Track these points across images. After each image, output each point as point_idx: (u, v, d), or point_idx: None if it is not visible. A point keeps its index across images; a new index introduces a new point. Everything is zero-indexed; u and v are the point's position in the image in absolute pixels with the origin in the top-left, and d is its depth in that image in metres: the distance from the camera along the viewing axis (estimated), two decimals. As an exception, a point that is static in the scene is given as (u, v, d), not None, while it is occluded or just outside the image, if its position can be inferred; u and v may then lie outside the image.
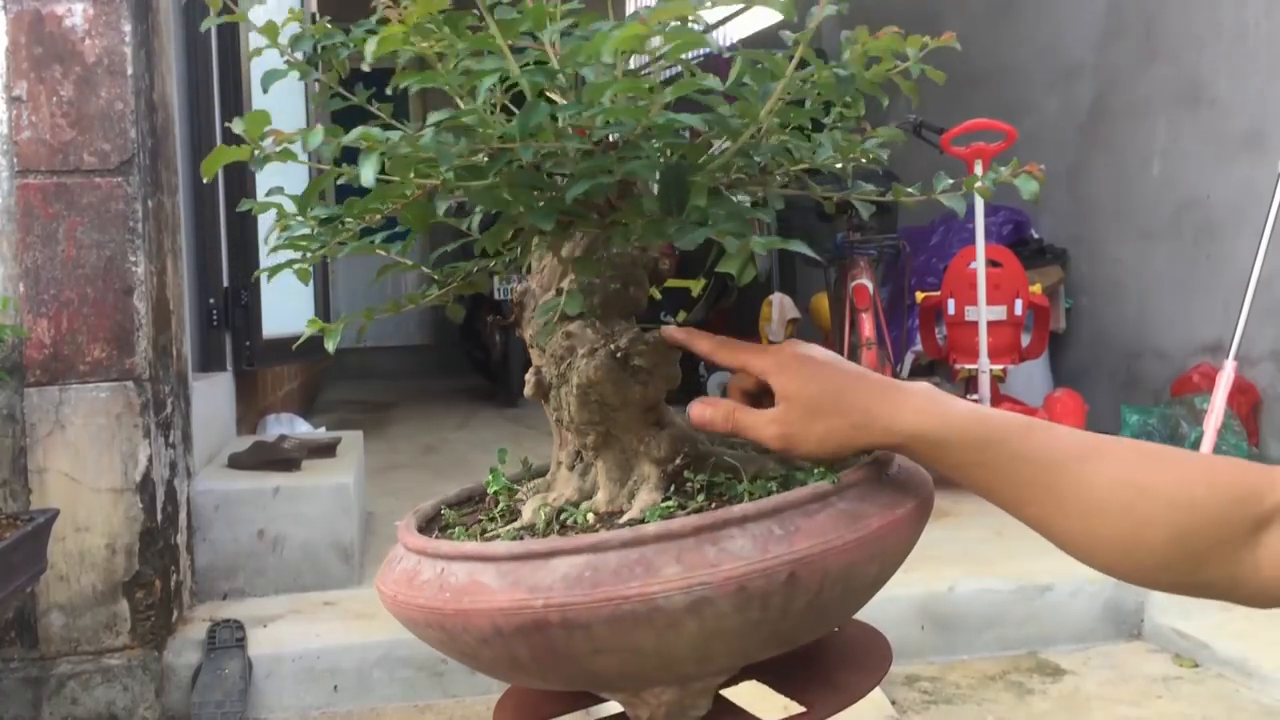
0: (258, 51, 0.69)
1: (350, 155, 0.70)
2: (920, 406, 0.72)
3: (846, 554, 0.66)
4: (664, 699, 0.70)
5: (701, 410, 0.75)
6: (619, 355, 0.75)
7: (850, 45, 0.72)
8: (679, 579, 0.64)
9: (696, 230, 0.67)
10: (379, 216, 0.75)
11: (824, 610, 0.68)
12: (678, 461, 0.75)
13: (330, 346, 0.80)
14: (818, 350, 0.75)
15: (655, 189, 0.69)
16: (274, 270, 0.79)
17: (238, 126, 0.68)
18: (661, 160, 0.70)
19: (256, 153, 0.69)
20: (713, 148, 0.75)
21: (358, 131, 0.67)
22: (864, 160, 0.80)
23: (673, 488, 0.74)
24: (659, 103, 0.65)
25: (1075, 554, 0.71)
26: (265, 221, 3.42)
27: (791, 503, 0.67)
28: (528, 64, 0.67)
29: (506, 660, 0.68)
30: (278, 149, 0.70)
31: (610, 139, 0.69)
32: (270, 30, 0.68)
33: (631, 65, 0.77)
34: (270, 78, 0.71)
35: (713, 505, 0.71)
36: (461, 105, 0.69)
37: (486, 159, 0.69)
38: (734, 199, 0.78)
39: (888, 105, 0.79)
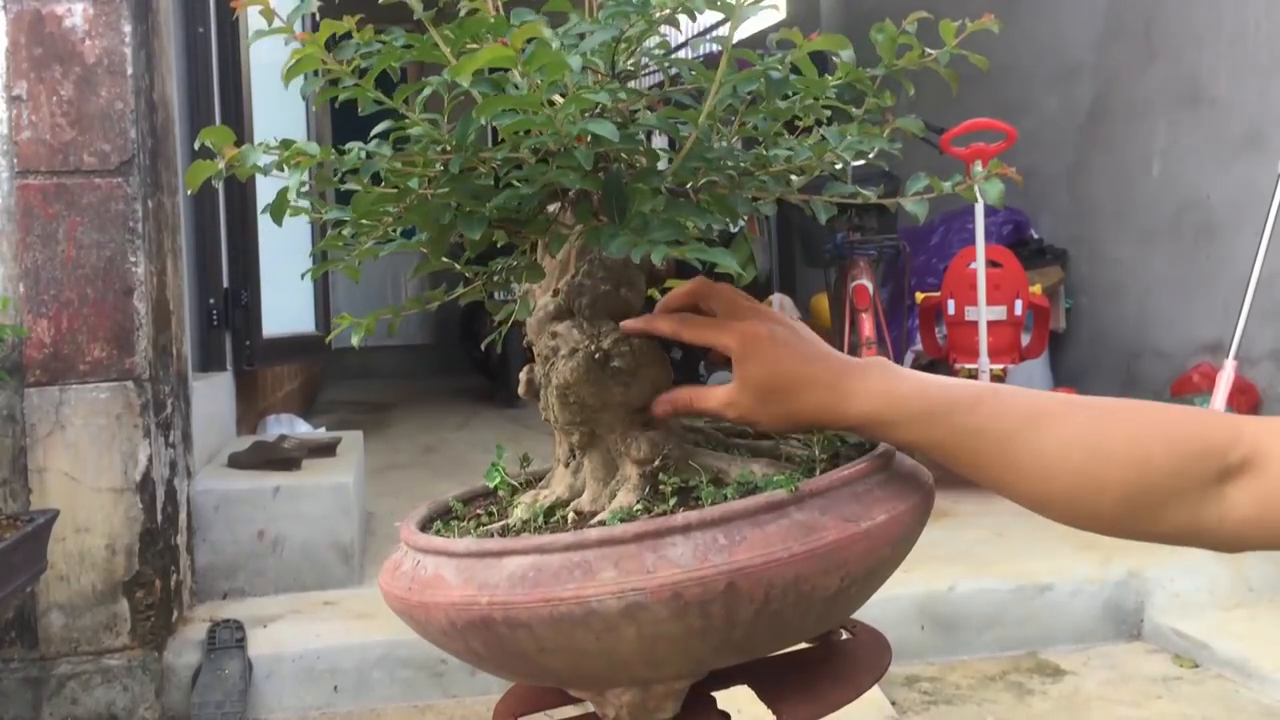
0: (259, 34, 0.70)
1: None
2: (869, 390, 0.73)
3: (794, 566, 0.66)
4: (625, 700, 0.71)
5: (663, 406, 0.76)
6: (598, 357, 0.75)
7: (879, 34, 0.73)
8: (613, 584, 0.65)
9: (623, 239, 0.67)
10: (389, 219, 0.75)
11: (779, 621, 0.67)
12: (656, 463, 0.75)
13: (356, 341, 0.83)
14: (781, 329, 0.75)
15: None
16: (317, 270, 0.81)
17: (206, 138, 0.69)
18: (604, 168, 0.71)
19: (223, 168, 0.71)
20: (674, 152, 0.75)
21: (297, 147, 0.69)
22: (858, 160, 0.80)
23: (648, 489, 0.75)
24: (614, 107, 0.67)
25: (1035, 511, 0.73)
26: (265, 221, 3.42)
27: (739, 512, 0.67)
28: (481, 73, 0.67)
29: (467, 653, 0.70)
30: (264, 162, 0.70)
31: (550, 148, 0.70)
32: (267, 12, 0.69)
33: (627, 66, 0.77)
34: (259, 36, 0.71)
35: (680, 509, 0.71)
36: (410, 116, 0.70)
37: (438, 169, 0.71)
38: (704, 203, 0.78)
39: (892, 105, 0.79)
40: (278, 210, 0.72)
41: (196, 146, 0.71)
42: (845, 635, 0.84)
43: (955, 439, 0.71)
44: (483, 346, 1.06)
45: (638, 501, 0.74)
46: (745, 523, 0.67)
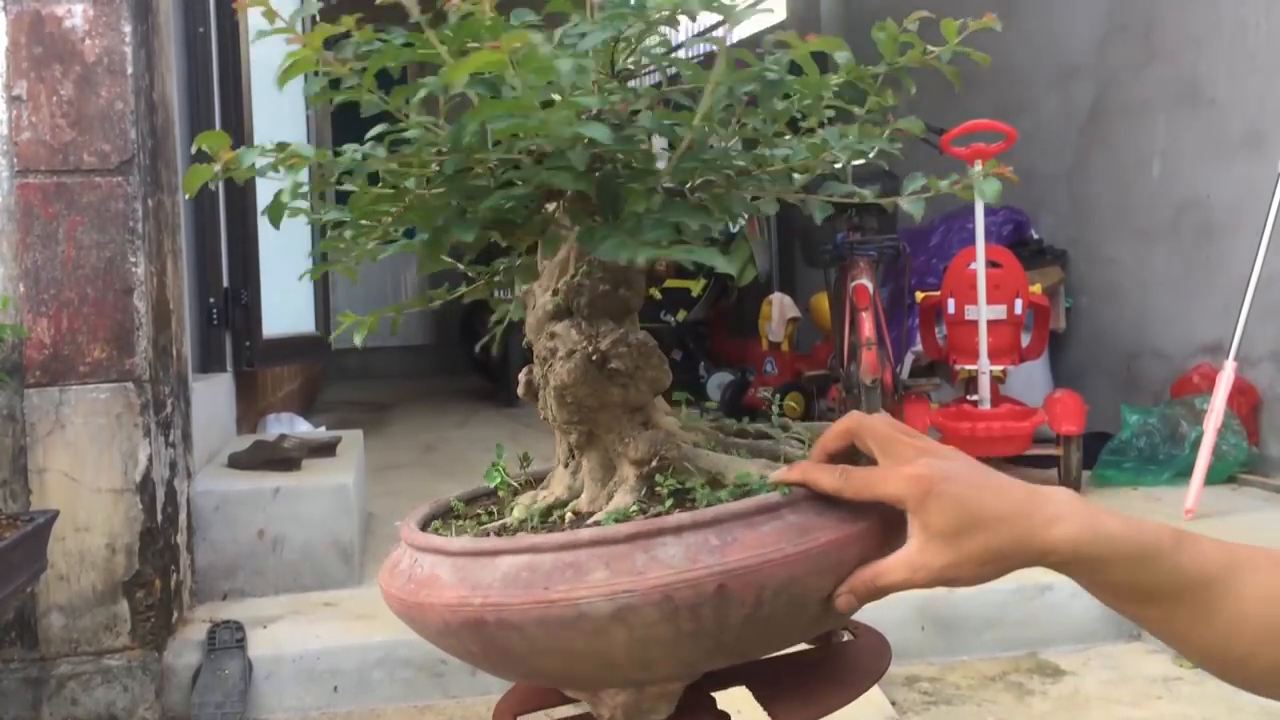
0: (262, 34, 0.70)
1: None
2: (1071, 520, 0.67)
3: (787, 568, 0.65)
4: (618, 701, 0.71)
5: (845, 600, 0.69)
6: (595, 358, 0.75)
7: (880, 33, 0.73)
8: (604, 585, 0.64)
9: (614, 241, 0.66)
10: (388, 219, 0.76)
11: (771, 624, 0.67)
12: (653, 464, 0.75)
13: (359, 340, 0.83)
14: (953, 465, 0.69)
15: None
16: (316, 270, 0.82)
17: (203, 143, 0.69)
18: (599, 169, 0.71)
19: (219, 171, 0.71)
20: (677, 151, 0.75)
21: (292, 149, 0.70)
22: (857, 159, 0.80)
23: (645, 490, 0.75)
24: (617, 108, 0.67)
25: (1218, 669, 0.69)
26: (265, 221, 3.42)
27: (733, 513, 0.67)
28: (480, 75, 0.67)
29: (464, 653, 0.70)
30: (261, 164, 0.71)
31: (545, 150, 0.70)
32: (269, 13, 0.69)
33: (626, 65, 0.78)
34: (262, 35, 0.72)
35: (675, 510, 0.71)
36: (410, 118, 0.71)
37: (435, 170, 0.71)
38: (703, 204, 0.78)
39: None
40: (274, 213, 0.72)
41: (194, 151, 0.71)
42: (846, 637, 0.84)
43: (1162, 583, 0.67)
44: (478, 348, 1.06)
45: (634, 502, 0.73)
46: (738, 524, 0.66)
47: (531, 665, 0.68)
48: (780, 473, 0.72)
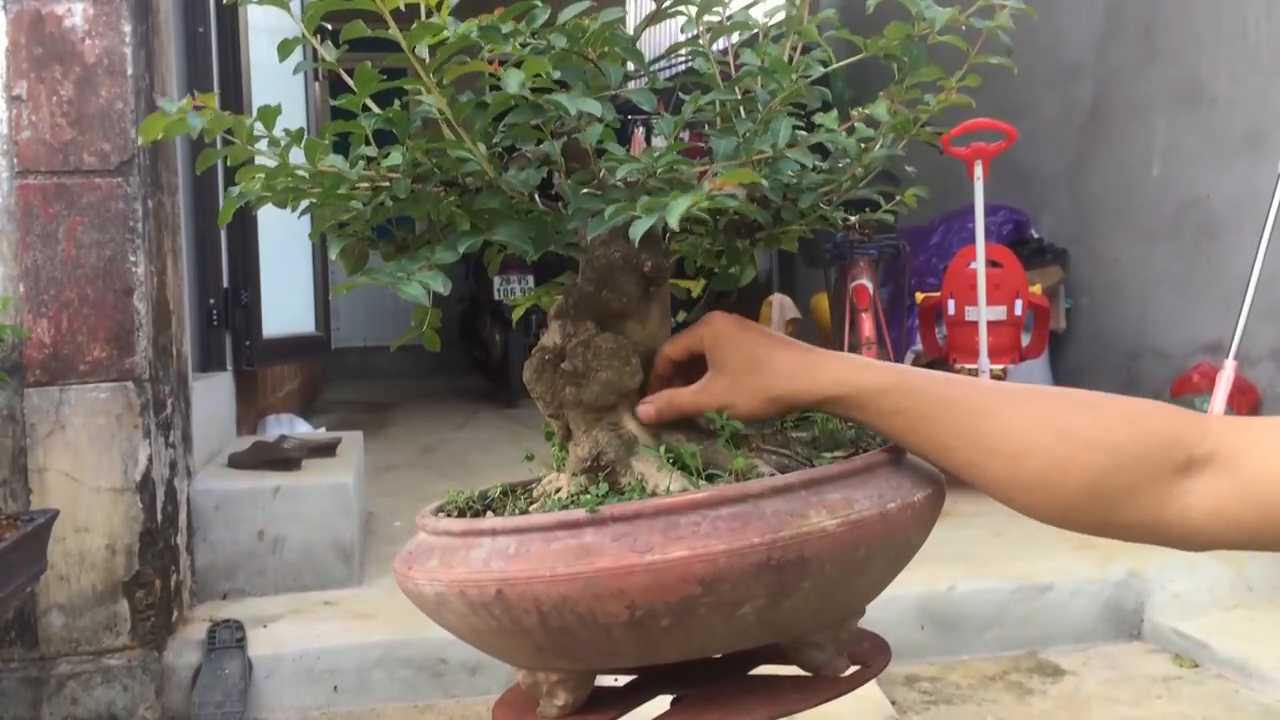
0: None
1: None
2: (841, 362, 0.76)
3: (557, 586, 0.67)
4: (519, 678, 0.77)
5: (646, 410, 0.79)
6: (548, 358, 0.79)
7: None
8: (429, 573, 0.72)
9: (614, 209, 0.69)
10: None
11: (574, 637, 0.68)
12: (588, 464, 0.78)
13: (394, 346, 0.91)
14: (746, 321, 0.80)
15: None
16: (347, 287, 0.84)
17: (168, 105, 0.71)
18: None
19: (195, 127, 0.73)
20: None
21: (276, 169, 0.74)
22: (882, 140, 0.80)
23: (585, 486, 0.78)
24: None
25: (1000, 497, 0.73)
26: (265, 221, 3.42)
27: (537, 525, 0.70)
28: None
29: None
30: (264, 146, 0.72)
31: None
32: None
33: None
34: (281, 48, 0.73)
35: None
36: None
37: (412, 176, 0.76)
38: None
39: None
40: (226, 210, 0.76)
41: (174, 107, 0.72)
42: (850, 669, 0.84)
43: (927, 412, 0.73)
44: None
45: (568, 497, 0.77)
46: (538, 535, 0.69)
47: (457, 634, 0.76)
48: (643, 405, 0.80)
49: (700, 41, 0.82)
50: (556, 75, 0.71)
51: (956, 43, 0.78)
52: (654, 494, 0.72)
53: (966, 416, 0.72)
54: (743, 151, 0.75)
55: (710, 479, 0.75)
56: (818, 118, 0.80)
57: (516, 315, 1.02)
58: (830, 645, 0.76)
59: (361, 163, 0.74)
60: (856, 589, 0.74)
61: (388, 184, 0.75)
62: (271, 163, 0.74)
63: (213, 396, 3.02)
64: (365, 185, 0.75)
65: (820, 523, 0.68)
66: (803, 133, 0.78)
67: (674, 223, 0.64)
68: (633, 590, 0.66)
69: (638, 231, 0.66)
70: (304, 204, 0.77)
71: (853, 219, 0.88)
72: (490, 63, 0.70)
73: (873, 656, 0.82)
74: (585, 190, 0.75)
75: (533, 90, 0.70)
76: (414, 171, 0.74)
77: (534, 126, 0.73)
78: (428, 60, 0.68)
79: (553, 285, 0.90)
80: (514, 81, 0.67)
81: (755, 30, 0.82)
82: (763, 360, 0.77)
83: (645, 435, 0.79)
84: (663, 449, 0.77)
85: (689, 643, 0.70)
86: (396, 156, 0.73)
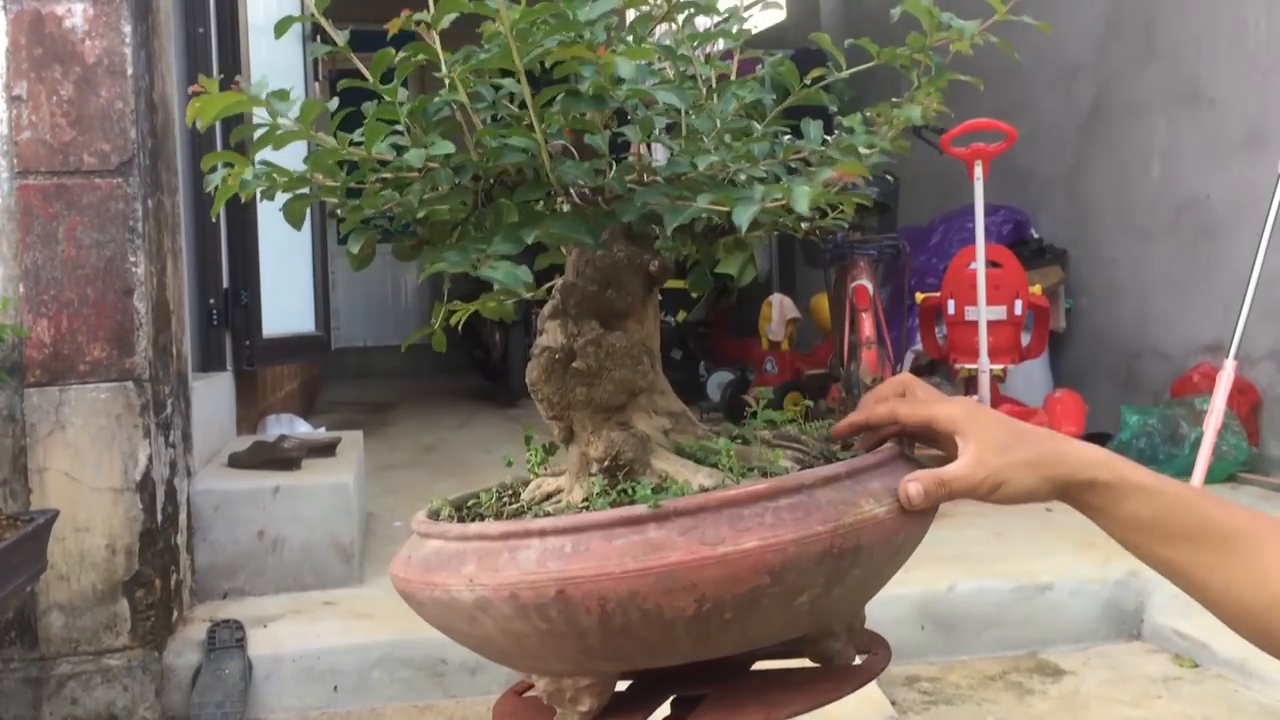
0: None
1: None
2: (1101, 451, 0.75)
3: (627, 582, 0.66)
4: (542, 685, 0.75)
5: (916, 488, 0.74)
6: (559, 357, 0.78)
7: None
8: (468, 578, 0.70)
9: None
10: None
11: (633, 634, 0.68)
12: (606, 463, 0.77)
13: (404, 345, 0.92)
14: (986, 405, 0.80)
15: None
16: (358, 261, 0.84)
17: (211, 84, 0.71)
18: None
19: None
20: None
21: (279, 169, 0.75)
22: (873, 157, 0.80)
23: (603, 487, 0.77)
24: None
25: (1234, 622, 0.71)
26: (265, 221, 3.42)
27: (593, 523, 0.69)
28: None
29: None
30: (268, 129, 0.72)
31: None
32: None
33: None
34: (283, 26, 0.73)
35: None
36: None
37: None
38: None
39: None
40: (220, 198, 0.76)
41: (190, 92, 0.72)
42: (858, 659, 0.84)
43: (1185, 524, 0.71)
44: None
45: (583, 498, 0.76)
46: (596, 534, 0.68)
47: (460, 638, 0.75)
48: (842, 423, 0.80)
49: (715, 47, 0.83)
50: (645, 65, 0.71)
51: (962, 47, 0.78)
52: (682, 491, 0.72)
53: (1222, 536, 0.71)
54: (781, 153, 0.76)
55: (745, 474, 0.76)
56: (847, 120, 0.81)
57: (456, 319, 0.96)
58: (844, 634, 0.78)
59: (403, 153, 0.73)
60: (887, 576, 0.76)
61: (416, 175, 0.73)
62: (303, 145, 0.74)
63: (213, 396, 3.02)
64: (389, 175, 0.74)
65: (872, 510, 0.71)
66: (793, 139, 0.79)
67: (804, 208, 0.65)
68: (705, 583, 0.67)
69: (742, 219, 0.66)
70: (323, 199, 0.77)
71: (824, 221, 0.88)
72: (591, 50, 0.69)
73: (872, 658, 0.83)
74: (629, 181, 0.75)
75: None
76: (452, 162, 0.73)
77: (583, 118, 0.73)
78: (512, 43, 0.66)
79: (490, 295, 0.90)
80: (628, 69, 0.67)
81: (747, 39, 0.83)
82: (1020, 435, 0.75)
83: (657, 435, 0.79)
84: (664, 449, 0.78)
85: (744, 635, 0.71)
86: (444, 145, 0.71)
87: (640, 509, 0.68)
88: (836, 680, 0.77)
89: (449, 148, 0.72)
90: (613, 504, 0.72)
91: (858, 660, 0.79)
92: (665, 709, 0.78)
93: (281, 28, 0.71)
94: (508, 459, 0.94)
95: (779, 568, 0.67)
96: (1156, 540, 0.72)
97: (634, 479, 0.76)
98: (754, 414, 0.88)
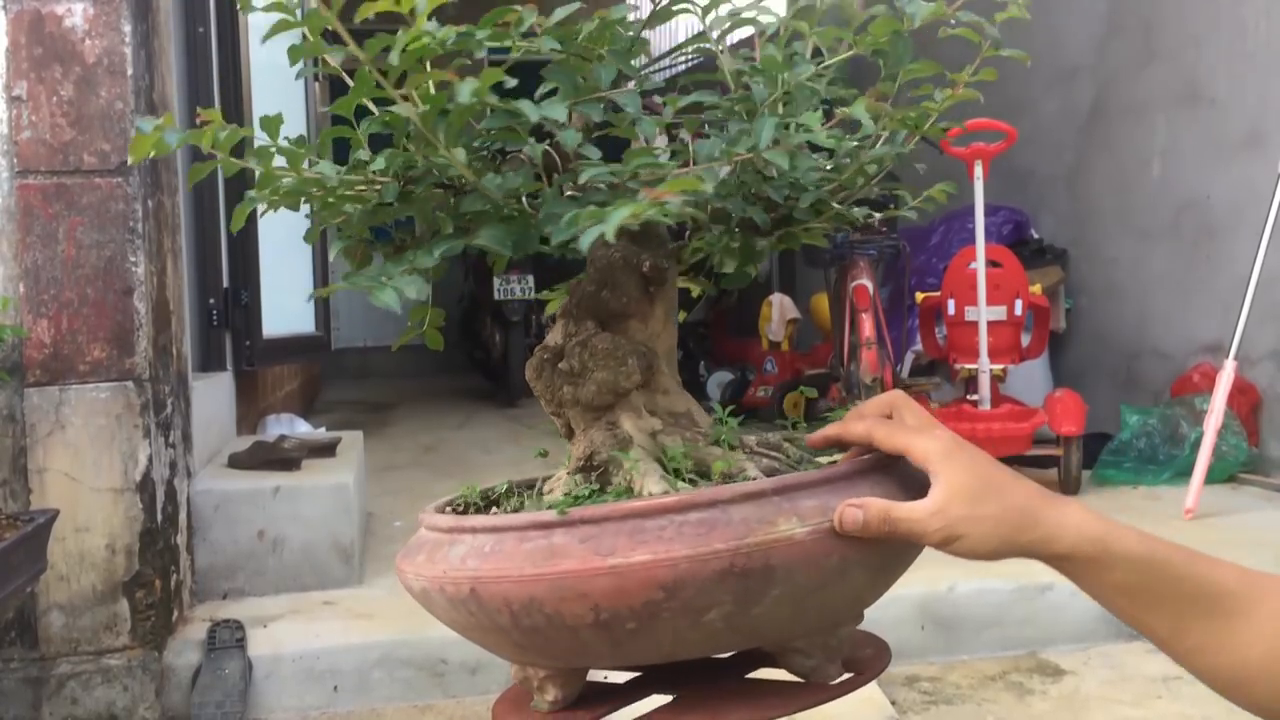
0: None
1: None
2: (1084, 514, 0.69)
3: (525, 586, 0.68)
4: (513, 671, 0.78)
5: (854, 514, 0.68)
6: (547, 356, 0.80)
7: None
8: (415, 568, 0.75)
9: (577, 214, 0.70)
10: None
11: (546, 637, 0.69)
12: (581, 463, 0.79)
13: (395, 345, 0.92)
14: (971, 443, 0.72)
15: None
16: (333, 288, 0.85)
17: (144, 125, 0.72)
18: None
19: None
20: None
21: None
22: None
23: (580, 484, 0.79)
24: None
25: (1228, 690, 0.68)
26: (265, 221, 3.42)
27: (511, 525, 0.71)
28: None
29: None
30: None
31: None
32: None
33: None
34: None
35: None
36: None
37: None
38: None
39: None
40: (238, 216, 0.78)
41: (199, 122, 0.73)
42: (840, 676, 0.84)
43: (1170, 590, 0.67)
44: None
45: (563, 494, 0.78)
46: (511, 535, 0.70)
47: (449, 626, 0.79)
48: (816, 434, 0.77)
49: (712, 37, 0.82)
50: (525, 79, 0.72)
51: (969, 35, 0.77)
52: (637, 496, 0.73)
53: (1209, 602, 0.67)
54: (724, 153, 0.74)
55: (693, 482, 0.75)
56: (803, 117, 0.79)
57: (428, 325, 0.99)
58: (818, 652, 0.74)
59: (340, 169, 0.75)
60: (836, 597, 0.72)
61: (379, 188, 0.75)
62: (259, 169, 0.75)
63: (213, 396, 3.02)
64: (362, 188, 0.76)
65: (789, 530, 0.67)
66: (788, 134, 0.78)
67: (609, 234, 0.62)
68: (596, 593, 0.66)
69: (585, 242, 0.64)
70: (306, 207, 0.78)
71: (877, 215, 0.88)
72: (460, 71, 0.70)
73: (872, 659, 0.82)
74: (568, 194, 0.75)
75: (506, 95, 0.70)
76: (406, 174, 0.74)
77: (510, 130, 0.73)
78: (396, 65, 0.68)
79: (562, 287, 0.90)
80: (466, 91, 0.67)
81: (764, 28, 0.82)
82: (996, 484, 0.69)
83: (641, 436, 0.79)
84: (635, 452, 0.77)
85: (658, 646, 0.70)
86: (381, 161, 0.74)
87: (550, 514, 0.69)
88: (825, 690, 0.76)
89: (381, 164, 0.74)
90: (573, 504, 0.73)
91: (844, 677, 0.76)
92: (652, 704, 0.78)
93: (295, 55, 0.72)
94: (540, 451, 0.95)
95: (672, 583, 0.66)
96: (1141, 607, 0.69)
97: (608, 480, 0.77)
98: (794, 424, 0.88)
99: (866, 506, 0.68)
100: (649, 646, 0.69)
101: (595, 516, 0.68)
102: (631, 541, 0.67)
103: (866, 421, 0.74)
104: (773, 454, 0.82)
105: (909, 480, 0.74)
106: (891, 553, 0.72)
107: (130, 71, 2.24)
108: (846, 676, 0.76)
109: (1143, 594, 0.68)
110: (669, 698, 0.77)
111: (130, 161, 0.75)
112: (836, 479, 0.71)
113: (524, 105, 0.69)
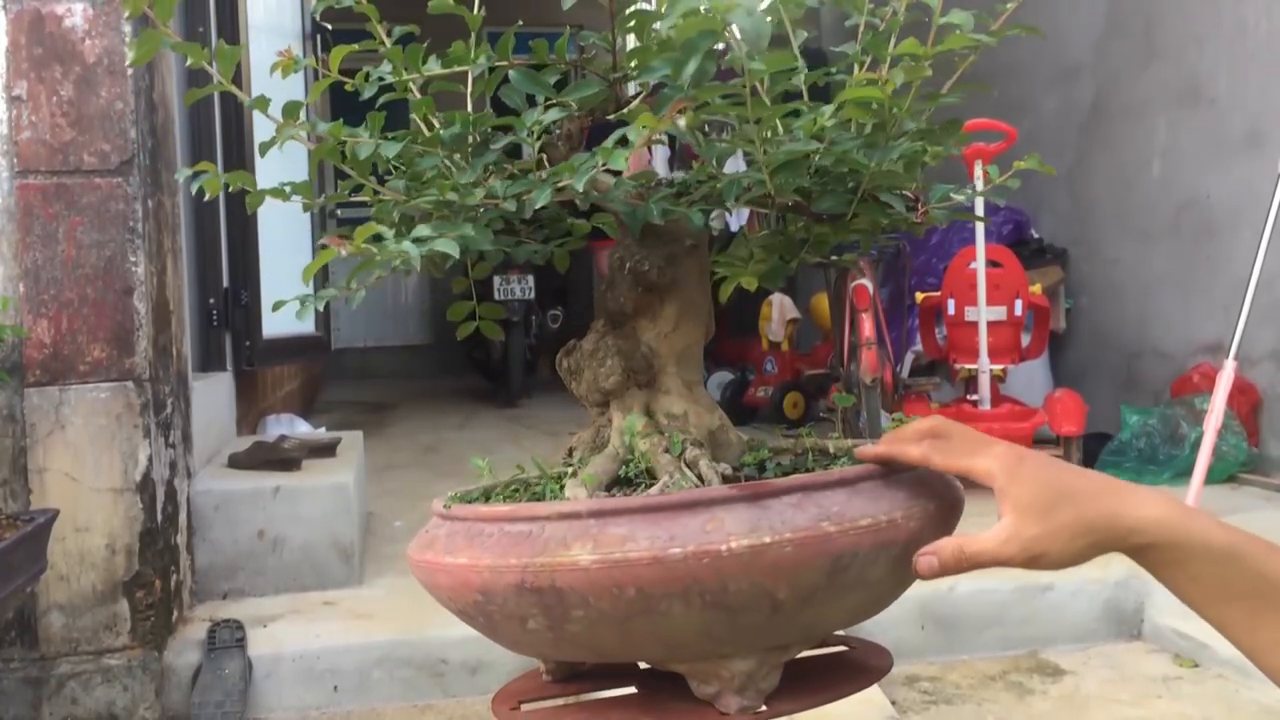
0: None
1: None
2: (1163, 505, 0.66)
3: (426, 572, 0.76)
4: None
5: (929, 562, 0.67)
6: (560, 355, 0.86)
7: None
8: (412, 549, 0.78)
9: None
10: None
11: (500, 629, 0.72)
12: (564, 456, 0.85)
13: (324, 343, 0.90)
14: (1032, 452, 0.70)
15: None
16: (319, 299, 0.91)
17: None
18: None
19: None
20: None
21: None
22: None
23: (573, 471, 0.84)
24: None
25: None
26: (265, 221, 3.42)
27: (456, 515, 0.76)
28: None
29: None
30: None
31: None
32: None
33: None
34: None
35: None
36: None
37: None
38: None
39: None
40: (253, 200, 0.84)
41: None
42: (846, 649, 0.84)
43: (1249, 585, 0.64)
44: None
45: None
46: (459, 524, 0.75)
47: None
48: (867, 448, 0.73)
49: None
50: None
51: (979, 19, 0.77)
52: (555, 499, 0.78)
53: None
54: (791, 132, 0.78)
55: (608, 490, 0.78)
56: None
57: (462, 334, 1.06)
58: (715, 682, 0.70)
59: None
60: (679, 631, 0.66)
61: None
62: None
63: (213, 396, 3.02)
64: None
65: (575, 556, 0.65)
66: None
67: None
68: (442, 588, 0.73)
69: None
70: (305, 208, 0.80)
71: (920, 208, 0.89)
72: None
73: (872, 660, 0.82)
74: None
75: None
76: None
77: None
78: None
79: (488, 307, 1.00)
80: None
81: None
82: (1067, 494, 0.66)
83: (617, 438, 0.82)
84: (580, 456, 0.83)
85: (514, 643, 0.75)
86: (390, 147, 0.81)
87: (458, 508, 0.76)
88: (841, 681, 0.77)
89: (395, 148, 0.80)
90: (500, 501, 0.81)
91: (759, 709, 0.71)
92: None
93: (290, 112, 0.76)
94: (476, 461, 0.98)
95: (481, 588, 0.69)
96: (1217, 600, 0.66)
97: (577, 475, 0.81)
98: (806, 432, 0.88)
99: (940, 550, 0.67)
100: (506, 642, 0.75)
101: (466, 516, 0.74)
102: (469, 544, 0.71)
103: (921, 445, 0.71)
104: (728, 469, 0.79)
105: (788, 517, 0.67)
106: (732, 589, 0.65)
107: (130, 71, 2.24)
108: (761, 710, 0.71)
109: (1220, 586, 0.65)
110: (631, 690, 0.79)
111: (129, 62, 0.77)
112: (677, 505, 0.66)
113: (441, 132, 0.77)
